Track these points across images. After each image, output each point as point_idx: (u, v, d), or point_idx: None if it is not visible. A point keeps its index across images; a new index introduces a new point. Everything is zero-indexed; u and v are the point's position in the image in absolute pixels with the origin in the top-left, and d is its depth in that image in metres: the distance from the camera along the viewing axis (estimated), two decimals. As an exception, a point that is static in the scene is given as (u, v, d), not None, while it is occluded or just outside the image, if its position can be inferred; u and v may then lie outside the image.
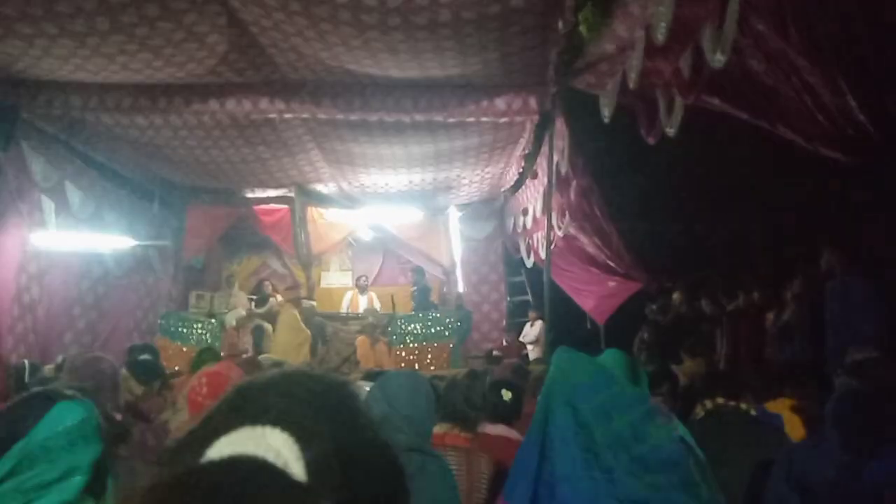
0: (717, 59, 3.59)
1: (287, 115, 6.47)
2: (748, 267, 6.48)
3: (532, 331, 9.05)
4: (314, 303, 9.46)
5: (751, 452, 2.48)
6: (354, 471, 0.54)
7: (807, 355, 5.19)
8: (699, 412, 2.62)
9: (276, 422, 0.54)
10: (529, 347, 8.80)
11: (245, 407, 0.57)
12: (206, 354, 4.83)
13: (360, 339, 8.44)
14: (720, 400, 2.61)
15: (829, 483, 2.12)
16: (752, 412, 2.64)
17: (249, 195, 9.47)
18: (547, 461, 1.21)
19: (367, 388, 2.75)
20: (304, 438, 0.53)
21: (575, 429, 1.18)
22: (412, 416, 1.98)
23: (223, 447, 0.52)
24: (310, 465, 0.51)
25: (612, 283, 7.63)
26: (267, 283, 10.03)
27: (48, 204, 7.03)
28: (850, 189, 4.58)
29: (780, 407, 3.30)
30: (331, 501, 0.47)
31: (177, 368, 6.80)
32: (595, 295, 8.12)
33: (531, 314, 9.26)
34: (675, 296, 7.47)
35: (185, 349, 8.46)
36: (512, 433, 3.10)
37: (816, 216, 5.41)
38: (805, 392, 3.66)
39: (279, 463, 0.50)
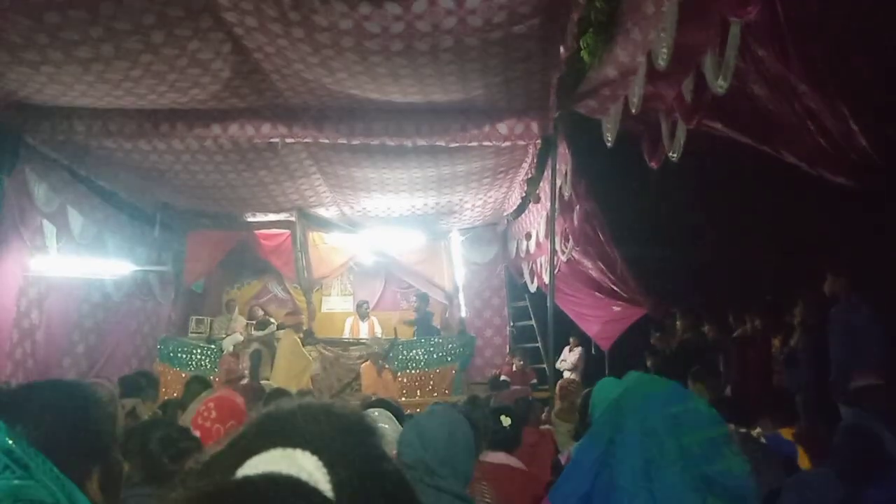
0: (720, 85, 3.60)
1: (289, 140, 6.50)
2: (753, 293, 6.43)
3: (571, 356, 8.94)
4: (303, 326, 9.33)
5: (761, 479, 2.44)
6: (374, 498, 0.57)
7: (812, 382, 5.12)
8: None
9: (305, 445, 0.57)
10: (567, 373, 8.67)
11: (275, 431, 0.60)
12: (196, 383, 4.76)
13: (366, 367, 8.36)
14: (731, 426, 2.57)
15: None
16: (763, 439, 2.60)
17: (251, 219, 9.47)
18: (606, 469, 1.18)
19: (377, 418, 2.71)
20: (331, 463, 0.56)
21: (641, 437, 1.16)
22: (447, 459, 1.89)
23: (256, 466, 0.54)
24: (336, 489, 0.54)
25: (616, 308, 7.58)
26: (257, 308, 9.98)
27: (50, 228, 7.04)
28: (855, 214, 4.56)
29: (784, 434, 3.27)
30: None
31: (175, 395, 6.72)
32: (599, 320, 8.07)
33: (572, 340, 9.11)
34: (680, 322, 7.41)
35: (184, 375, 8.38)
36: (512, 461, 3.04)
37: (821, 241, 5.38)
38: (809, 419, 3.61)
39: (311, 483, 0.52)
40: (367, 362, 8.41)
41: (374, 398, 4.34)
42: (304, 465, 0.54)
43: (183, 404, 4.15)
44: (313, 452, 0.56)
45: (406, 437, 1.98)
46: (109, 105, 5.97)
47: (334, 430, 0.61)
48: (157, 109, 6.12)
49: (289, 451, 0.56)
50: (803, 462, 2.96)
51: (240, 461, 0.55)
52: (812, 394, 4.99)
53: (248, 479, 0.52)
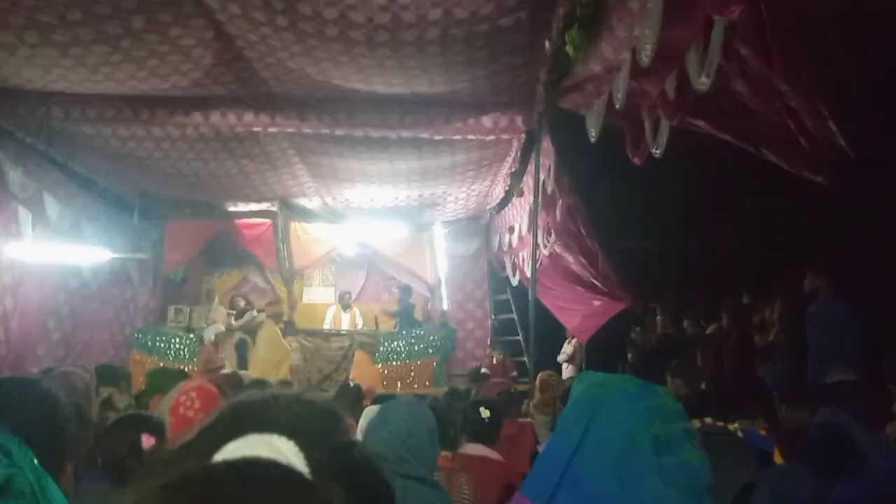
0: (702, 82, 3.63)
1: (272, 129, 6.43)
2: (732, 289, 6.52)
3: (568, 348, 8.98)
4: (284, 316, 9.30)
5: (736, 473, 2.48)
6: (349, 483, 0.57)
7: (789, 377, 5.21)
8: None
9: (281, 431, 0.57)
10: (564, 366, 8.72)
11: (248, 418, 0.60)
12: (162, 376, 4.68)
13: (360, 355, 8.38)
14: (708, 420, 2.61)
15: None
16: (739, 433, 2.64)
17: (231, 209, 9.38)
18: (578, 459, 1.23)
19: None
20: (307, 447, 0.56)
21: (614, 428, 1.20)
22: (413, 445, 1.98)
23: (234, 451, 0.54)
24: (313, 472, 0.54)
25: (596, 303, 7.62)
26: (238, 297, 9.91)
27: (25, 215, 6.90)
28: (833, 213, 4.63)
29: (762, 429, 3.33)
30: (342, 502, 0.50)
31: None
32: (579, 314, 8.10)
33: (569, 332, 9.15)
34: (659, 317, 7.49)
35: (162, 364, 8.30)
36: (491, 453, 3.06)
37: (800, 239, 5.47)
38: (785, 414, 3.68)
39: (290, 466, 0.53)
40: (361, 352, 8.44)
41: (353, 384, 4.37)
42: (282, 450, 0.54)
43: (146, 395, 4.11)
44: (289, 437, 0.56)
45: (372, 426, 2.07)
46: (88, 90, 5.86)
47: (307, 416, 0.62)
48: (136, 96, 6.02)
49: (265, 436, 0.56)
50: (779, 457, 3.01)
51: (216, 447, 0.55)
52: (789, 389, 5.08)
53: (230, 462, 0.51)
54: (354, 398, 4.10)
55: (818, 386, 4.63)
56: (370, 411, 3.07)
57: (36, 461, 1.07)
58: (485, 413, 3.11)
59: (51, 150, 7.00)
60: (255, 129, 6.39)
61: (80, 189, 7.72)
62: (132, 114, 6.18)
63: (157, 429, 2.03)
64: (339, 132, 6.38)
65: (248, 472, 0.49)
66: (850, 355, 4.53)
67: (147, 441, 1.94)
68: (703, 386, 6.13)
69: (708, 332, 6.57)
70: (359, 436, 3.01)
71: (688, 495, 1.16)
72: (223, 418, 0.61)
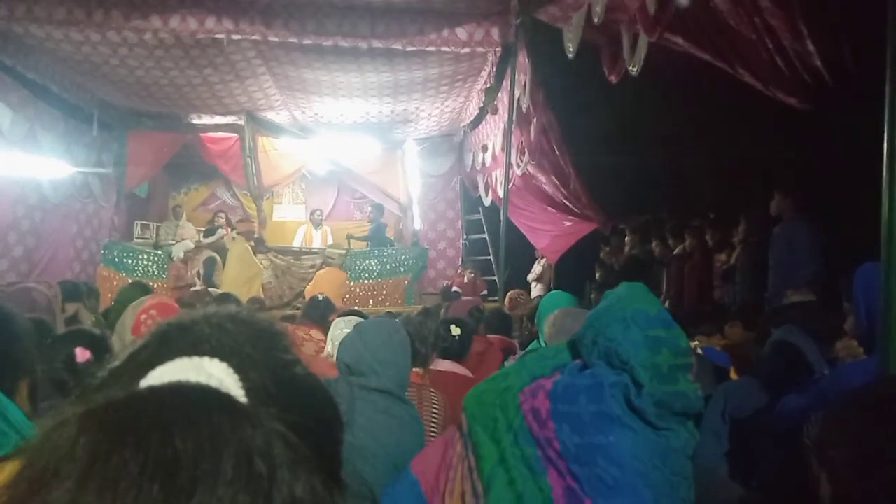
0: (684, -4, 3.52)
1: (235, 37, 6.11)
2: (700, 209, 6.60)
3: (536, 267, 9.08)
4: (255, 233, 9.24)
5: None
6: (290, 401, 0.55)
7: (747, 297, 5.37)
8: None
9: (213, 353, 0.54)
10: (533, 285, 8.85)
11: (178, 339, 0.57)
12: (132, 292, 4.57)
13: (327, 271, 8.43)
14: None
15: (752, 416, 2.38)
16: (699, 350, 2.74)
17: (196, 122, 9.04)
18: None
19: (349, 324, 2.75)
20: (242, 368, 0.53)
21: (622, 343, 1.24)
22: (386, 361, 2.01)
23: (161, 376, 0.50)
24: (250, 394, 0.52)
25: (567, 223, 7.68)
26: (221, 214, 9.76)
27: (-26, 123, 6.58)
28: (805, 134, 4.65)
29: (714, 344, 3.49)
30: (279, 425, 0.47)
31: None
32: (549, 234, 8.18)
33: (538, 253, 9.22)
34: (628, 237, 7.59)
35: (130, 280, 8.22)
36: (459, 369, 3.13)
37: (769, 161, 5.50)
38: (742, 332, 3.82)
39: (222, 390, 0.50)
40: (328, 268, 8.49)
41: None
42: (213, 373, 0.51)
43: (114, 312, 4.06)
44: (222, 359, 0.53)
45: (348, 340, 2.10)
46: (34, -13, 5.47)
47: (243, 336, 0.58)
48: (89, -5, 5.64)
49: (195, 359, 0.52)
50: (734, 373, 3.16)
51: (142, 373, 0.52)
52: (744, 310, 5.25)
53: (152, 389, 0.48)
54: (324, 312, 4.12)
55: (775, 307, 4.78)
56: (341, 321, 3.10)
57: None
58: (455, 331, 3.16)
59: (-2, 53, 6.58)
60: (217, 35, 6.06)
61: (33, 96, 7.30)
62: (85, 15, 5.81)
63: (94, 343, 1.98)
64: (306, 41, 6.10)
65: (171, 398, 0.46)
66: (810, 276, 4.66)
67: (81, 355, 1.90)
68: (666, 306, 6.32)
69: (675, 252, 6.69)
70: (329, 345, 3.06)
71: (679, 420, 1.22)
72: (152, 341, 0.58)
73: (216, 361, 0.53)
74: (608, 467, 1.17)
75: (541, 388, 1.26)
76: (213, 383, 0.50)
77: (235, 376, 0.52)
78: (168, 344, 0.56)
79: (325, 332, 3.32)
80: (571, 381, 1.26)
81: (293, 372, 0.60)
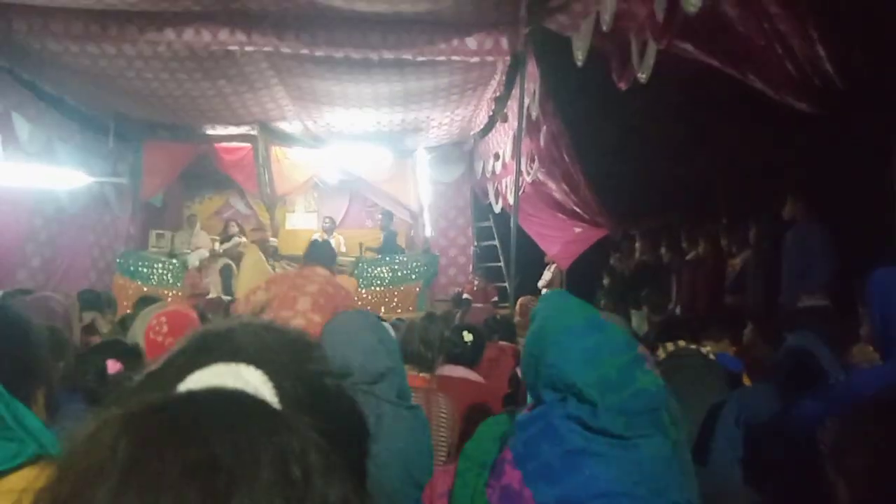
0: (692, 3, 3.53)
1: (248, 48, 6.19)
2: (712, 214, 6.58)
3: (548, 274, 9.09)
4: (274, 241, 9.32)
5: (707, 394, 2.59)
6: (321, 412, 0.55)
7: (761, 301, 5.34)
8: (661, 354, 2.71)
9: (249, 360, 0.55)
10: (544, 291, 8.87)
11: (215, 347, 0.58)
12: (150, 302, 4.63)
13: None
14: (682, 343, 2.70)
15: (767, 422, 2.33)
16: (712, 356, 2.74)
17: (210, 132, 9.14)
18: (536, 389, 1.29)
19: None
20: (276, 377, 0.54)
21: (561, 371, 1.21)
22: (350, 356, 1.84)
23: (199, 381, 0.52)
24: (283, 402, 0.52)
25: (577, 230, 7.69)
26: (233, 223, 9.85)
27: (-6, 136, 6.70)
28: (816, 139, 4.63)
29: (724, 349, 3.47)
30: (312, 432, 0.48)
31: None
32: (560, 241, 8.19)
33: (548, 258, 9.23)
34: (638, 244, 7.58)
35: (145, 289, 8.31)
36: (471, 374, 3.14)
37: (782, 166, 5.48)
38: (755, 337, 3.80)
39: (258, 396, 0.51)
40: (338, 276, 8.51)
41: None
42: (249, 379, 0.52)
43: (131, 320, 4.12)
44: (257, 366, 0.54)
45: (329, 341, 1.91)
46: (51, 3, 5.56)
47: (276, 344, 0.60)
48: (105, 10, 5.72)
49: (232, 365, 0.54)
50: (748, 379, 3.14)
51: (180, 377, 0.53)
52: (760, 313, 5.23)
53: (192, 393, 0.49)
54: (326, 252, 4.15)
55: (788, 311, 4.76)
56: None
57: (1, 387, 1.05)
58: (467, 337, 3.17)
59: (16, 67, 6.70)
60: (231, 47, 6.15)
61: (50, 109, 7.43)
62: (100, 29, 5.90)
63: (127, 355, 2.00)
64: (318, 52, 6.16)
65: (210, 402, 0.47)
66: (824, 280, 4.63)
67: (112, 367, 1.92)
68: (677, 311, 6.31)
69: (687, 258, 6.67)
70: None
71: (649, 417, 1.19)
72: (189, 347, 0.59)
73: (252, 368, 0.54)
74: (594, 502, 1.15)
75: (503, 462, 1.23)
76: (249, 390, 0.51)
77: (270, 384, 0.53)
78: (205, 350, 0.58)
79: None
80: (526, 434, 1.22)
81: (324, 382, 0.61)
